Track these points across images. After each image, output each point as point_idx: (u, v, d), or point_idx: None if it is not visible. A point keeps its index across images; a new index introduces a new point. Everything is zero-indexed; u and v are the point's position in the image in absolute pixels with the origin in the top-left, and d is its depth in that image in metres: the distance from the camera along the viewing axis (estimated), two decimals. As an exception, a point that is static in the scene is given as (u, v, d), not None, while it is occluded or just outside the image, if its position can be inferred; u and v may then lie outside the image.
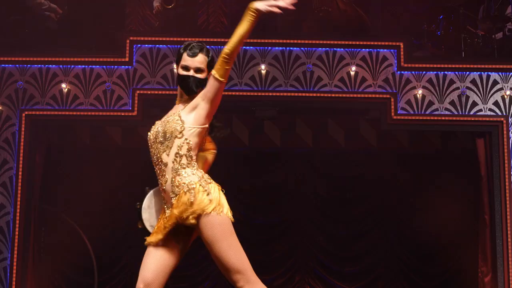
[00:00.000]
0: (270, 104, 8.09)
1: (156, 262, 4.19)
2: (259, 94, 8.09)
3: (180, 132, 4.20)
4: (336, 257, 9.03)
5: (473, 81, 8.21)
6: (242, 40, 4.11)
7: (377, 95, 8.15)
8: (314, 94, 8.05)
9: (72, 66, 8.05)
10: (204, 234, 4.09)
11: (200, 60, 4.29)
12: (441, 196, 8.68)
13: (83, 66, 8.08)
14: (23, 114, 8.01)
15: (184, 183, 4.14)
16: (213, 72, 4.15)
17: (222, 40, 8.12)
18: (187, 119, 4.21)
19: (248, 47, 8.09)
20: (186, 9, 8.90)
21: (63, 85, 8.03)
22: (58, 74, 8.07)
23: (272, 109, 8.10)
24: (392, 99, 8.13)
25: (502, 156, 8.07)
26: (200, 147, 4.32)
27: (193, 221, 4.07)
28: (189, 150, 4.20)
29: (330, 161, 9.02)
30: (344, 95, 8.10)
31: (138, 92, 8.04)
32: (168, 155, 4.20)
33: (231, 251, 4.08)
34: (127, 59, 8.07)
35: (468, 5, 9.13)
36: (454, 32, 8.92)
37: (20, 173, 7.95)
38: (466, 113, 8.16)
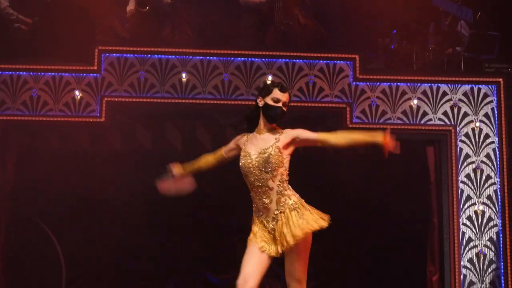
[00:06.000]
0: (233, 112, 8.31)
1: (258, 263, 4.95)
2: (222, 102, 8.43)
3: (282, 162, 5.05)
4: None
5: (424, 92, 8.61)
6: (351, 145, 5.09)
7: (334, 105, 8.52)
8: (275, 103, 8.34)
9: (43, 73, 8.33)
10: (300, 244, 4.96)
11: (287, 96, 5.24)
12: (394, 199, 8.94)
13: (53, 74, 8.35)
14: (-5, 119, 8.23)
15: (289, 203, 5.02)
16: (321, 135, 5.16)
17: (187, 50, 8.46)
18: (285, 152, 5.10)
19: (212, 58, 8.41)
20: (153, 21, 9.18)
21: (33, 92, 8.31)
22: (28, 81, 8.33)
23: (235, 116, 8.33)
24: (348, 109, 8.50)
25: (450, 163, 8.48)
26: None
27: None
28: (287, 175, 5.13)
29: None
30: (302, 104, 8.44)
31: (106, 99, 8.34)
32: (274, 181, 5.03)
33: (305, 263, 5.07)
34: (95, 68, 8.36)
35: (420, 21, 9.56)
36: (407, 46, 9.33)
37: (-9, 177, 8.14)
38: (417, 122, 8.58)
